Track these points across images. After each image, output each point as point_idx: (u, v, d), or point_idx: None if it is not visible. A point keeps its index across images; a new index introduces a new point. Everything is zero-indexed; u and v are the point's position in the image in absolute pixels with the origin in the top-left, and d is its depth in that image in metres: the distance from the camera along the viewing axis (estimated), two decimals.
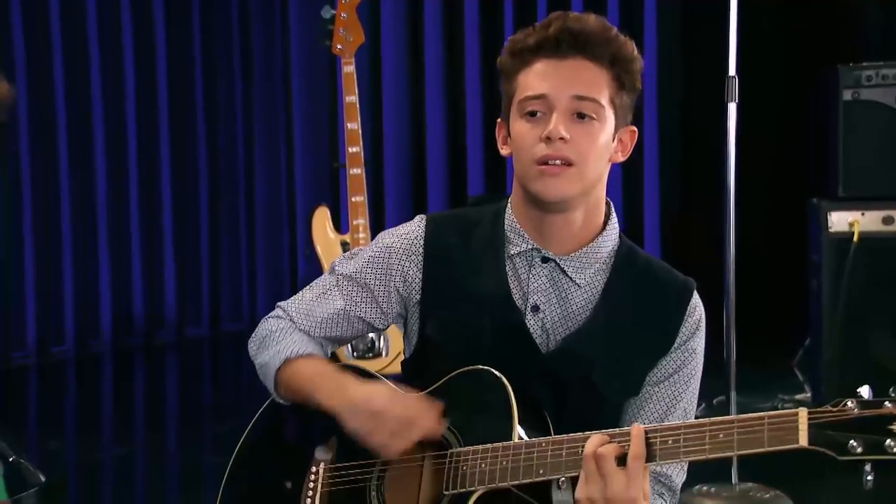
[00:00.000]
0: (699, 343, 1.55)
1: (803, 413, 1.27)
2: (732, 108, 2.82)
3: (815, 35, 4.80)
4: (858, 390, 1.25)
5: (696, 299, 1.56)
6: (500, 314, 1.51)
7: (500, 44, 1.52)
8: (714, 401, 3.33)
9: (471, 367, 1.45)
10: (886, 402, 1.23)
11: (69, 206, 5.06)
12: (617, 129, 1.50)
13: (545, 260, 1.53)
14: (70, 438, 3.95)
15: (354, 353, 3.59)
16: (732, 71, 2.81)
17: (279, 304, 1.64)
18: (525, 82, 1.48)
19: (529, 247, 1.53)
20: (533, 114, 1.47)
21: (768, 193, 5.05)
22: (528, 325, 1.51)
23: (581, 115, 1.45)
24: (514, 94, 1.50)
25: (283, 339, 1.58)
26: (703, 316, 1.56)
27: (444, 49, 5.55)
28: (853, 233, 3.28)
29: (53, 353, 5.04)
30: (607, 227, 1.55)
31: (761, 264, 4.84)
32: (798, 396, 3.84)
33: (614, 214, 1.57)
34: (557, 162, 1.45)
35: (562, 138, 1.44)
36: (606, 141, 1.48)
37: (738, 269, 2.85)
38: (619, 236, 1.57)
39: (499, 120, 1.55)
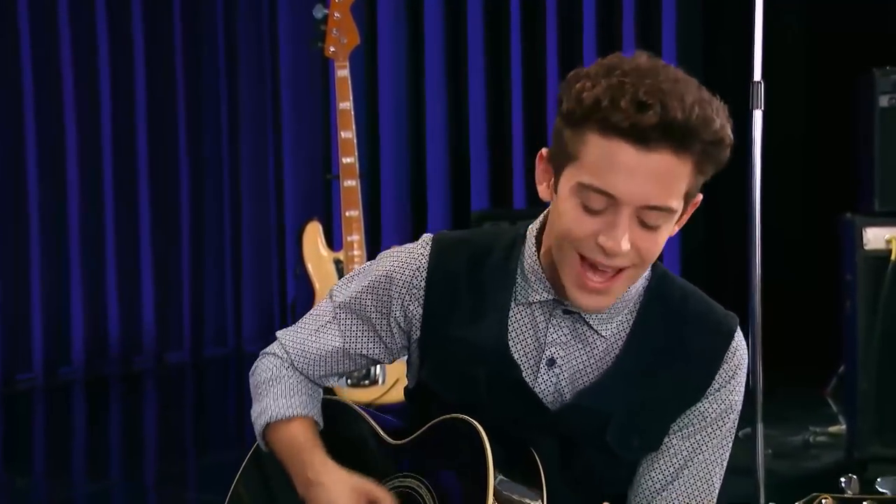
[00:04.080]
0: (736, 391, 1.48)
1: None
2: (758, 116, 2.82)
3: (848, 36, 4.82)
4: (842, 480, 1.24)
5: (737, 341, 1.48)
6: (497, 370, 1.47)
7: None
8: (740, 433, 3.31)
9: (453, 416, 1.45)
10: (864, 502, 1.22)
11: (38, 219, 5.07)
12: (684, 211, 1.41)
13: (567, 312, 1.47)
14: (39, 475, 3.94)
15: (349, 381, 3.59)
16: (758, 76, 2.82)
17: (279, 334, 1.63)
18: (595, 161, 1.34)
19: (551, 297, 1.46)
20: (592, 206, 1.35)
21: (797, 208, 5.06)
22: (539, 382, 1.47)
23: (647, 224, 1.36)
24: (574, 158, 1.36)
25: (270, 391, 1.57)
26: (745, 360, 1.49)
27: (446, 51, 5.57)
28: (891, 251, 3.28)
29: (20, 381, 5.04)
30: None
31: (790, 285, 4.84)
32: (832, 429, 3.83)
33: None
34: (608, 271, 1.37)
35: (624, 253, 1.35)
36: (669, 235, 1.40)
37: (764, 290, 2.85)
38: (653, 265, 1.48)
39: (544, 152, 1.43)
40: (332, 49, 3.73)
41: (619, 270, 1.37)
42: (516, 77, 5.45)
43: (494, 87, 5.49)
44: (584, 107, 1.33)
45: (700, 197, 1.43)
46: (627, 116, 1.30)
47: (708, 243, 5.28)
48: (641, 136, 1.31)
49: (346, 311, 1.57)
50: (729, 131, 1.37)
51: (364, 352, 1.57)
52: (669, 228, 1.39)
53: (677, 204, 1.36)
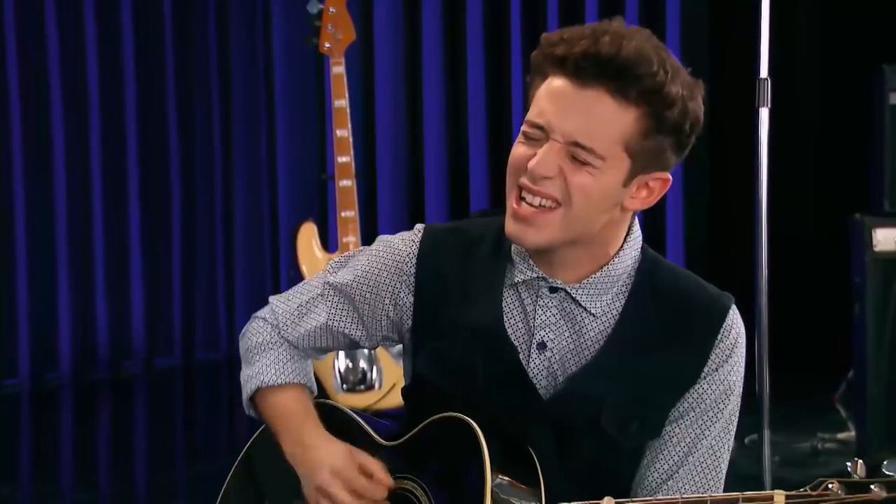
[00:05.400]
0: (734, 371, 1.50)
1: (780, 496, 1.31)
2: (764, 114, 2.82)
3: (857, 32, 4.83)
4: (848, 464, 1.27)
5: (731, 318, 1.50)
6: (494, 353, 1.49)
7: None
8: (746, 440, 3.32)
9: (447, 415, 1.46)
10: (873, 486, 1.24)
11: (24, 219, 5.05)
12: (634, 175, 1.44)
13: (553, 290, 1.49)
14: (24, 484, 3.94)
15: (345, 386, 3.59)
16: (764, 73, 2.82)
17: (272, 300, 1.66)
18: (536, 97, 1.45)
19: (535, 275, 1.50)
20: (530, 137, 1.44)
21: (805, 208, 5.06)
22: (531, 367, 1.49)
23: (578, 161, 1.41)
24: (529, 104, 1.47)
25: (262, 357, 1.60)
26: (742, 339, 1.50)
27: (444, 47, 5.57)
28: None
29: (5, 386, 5.03)
30: (626, 243, 1.50)
31: (798, 287, 4.84)
32: (841, 435, 3.83)
33: (637, 226, 1.52)
34: (537, 202, 1.42)
35: (546, 177, 1.41)
36: (608, 190, 1.42)
37: (771, 292, 2.85)
38: (642, 249, 1.53)
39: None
40: (326, 45, 3.73)
41: (552, 208, 1.41)
42: (516, 74, 5.45)
43: (494, 84, 5.49)
44: (539, 49, 1.46)
45: (668, 177, 1.48)
46: (565, 48, 1.41)
47: (714, 244, 5.29)
48: (575, 69, 1.40)
49: (336, 291, 1.60)
50: (679, 89, 1.40)
51: (345, 331, 1.60)
52: (605, 180, 1.41)
53: (606, 150, 1.40)
